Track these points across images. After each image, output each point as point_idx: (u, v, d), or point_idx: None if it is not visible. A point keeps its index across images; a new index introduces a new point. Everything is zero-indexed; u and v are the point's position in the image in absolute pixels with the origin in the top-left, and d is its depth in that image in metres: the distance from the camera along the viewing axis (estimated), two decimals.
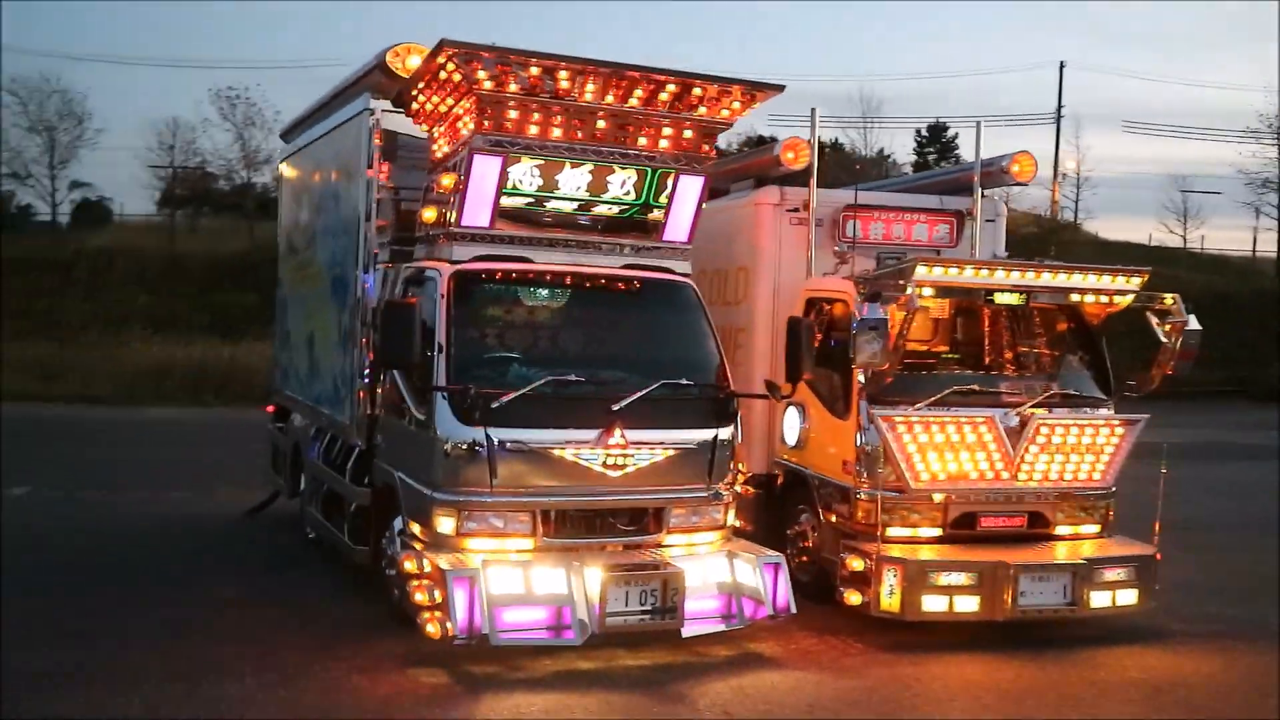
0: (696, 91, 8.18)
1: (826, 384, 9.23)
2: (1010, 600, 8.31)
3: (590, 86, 7.96)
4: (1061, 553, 8.70)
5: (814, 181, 10.02)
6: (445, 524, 7.60)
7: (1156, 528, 8.98)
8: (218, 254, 41.69)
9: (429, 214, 8.39)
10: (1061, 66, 54.89)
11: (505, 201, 8.23)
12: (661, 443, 7.95)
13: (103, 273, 38.22)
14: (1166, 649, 8.62)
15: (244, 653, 7.64)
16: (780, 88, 8.42)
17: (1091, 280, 8.82)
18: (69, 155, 46.53)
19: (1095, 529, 9.15)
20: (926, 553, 8.49)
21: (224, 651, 7.68)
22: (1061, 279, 8.78)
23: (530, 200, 8.34)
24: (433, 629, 7.28)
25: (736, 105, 8.33)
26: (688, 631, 7.74)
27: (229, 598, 9.17)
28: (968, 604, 8.34)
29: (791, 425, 9.68)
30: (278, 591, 9.43)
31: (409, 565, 7.60)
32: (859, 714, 7.04)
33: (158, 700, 6.73)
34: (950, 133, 66.39)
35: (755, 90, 8.31)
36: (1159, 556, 8.92)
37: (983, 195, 10.46)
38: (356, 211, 9.10)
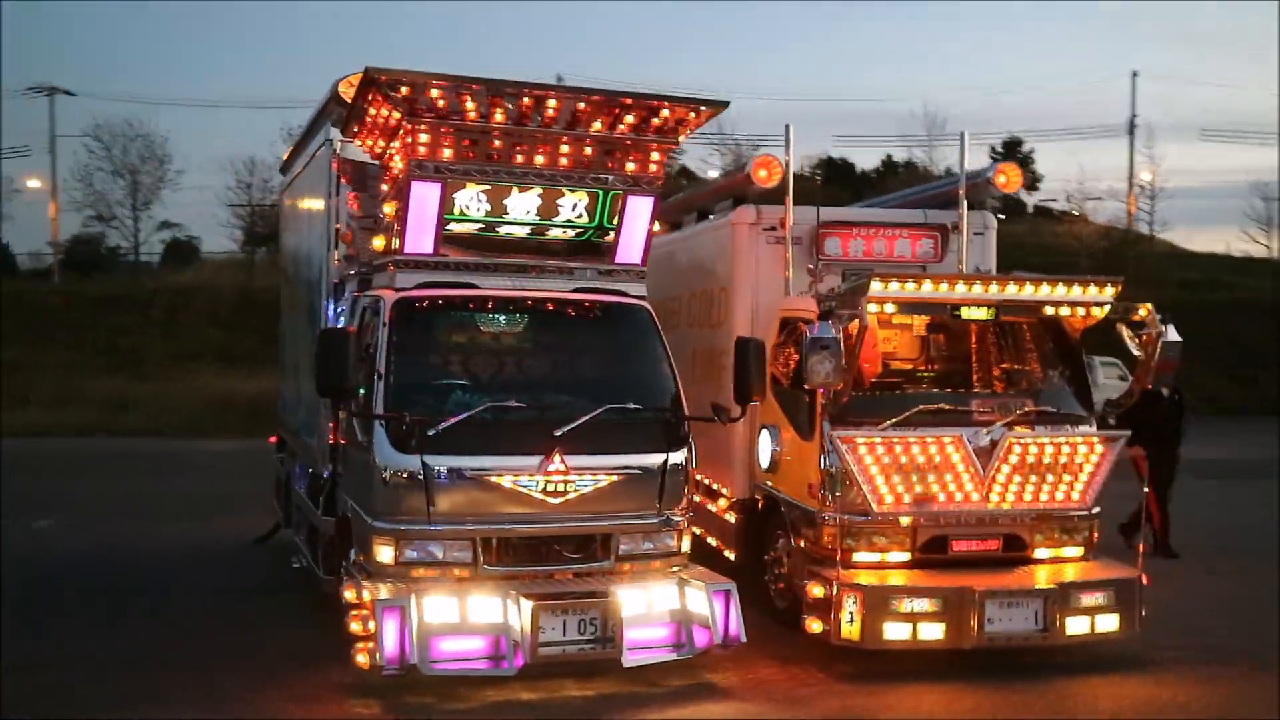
0: (638, 112, 8.06)
1: (795, 405, 9.01)
2: (977, 627, 7.99)
3: (531, 109, 7.90)
4: (1033, 577, 8.33)
5: (790, 200, 9.83)
6: (384, 553, 7.54)
7: (1140, 550, 8.58)
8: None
9: (378, 242, 8.39)
10: (1134, 76, 53.51)
11: (456, 227, 8.20)
12: (605, 468, 7.80)
13: (180, 309, 39.34)
14: (1148, 678, 8.19)
15: (186, 680, 7.69)
16: (724, 104, 8.28)
17: (1060, 292, 8.47)
18: (151, 196, 48.11)
19: (1077, 551, 8.76)
20: (887, 578, 8.21)
21: (168, 679, 7.75)
22: (1028, 292, 8.44)
23: (481, 226, 8.29)
24: (363, 659, 7.22)
25: (681, 124, 8.19)
26: (630, 661, 7.57)
27: (193, 625, 9.27)
28: (932, 631, 8.03)
29: (765, 448, 9.48)
30: (247, 619, 9.45)
31: (348, 595, 7.56)
32: None
33: None
34: (1026, 147, 65.17)
35: (698, 107, 8.18)
36: (1146, 580, 8.51)
37: (971, 208, 10.18)
38: (323, 241, 9.16)
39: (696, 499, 11.62)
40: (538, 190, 8.21)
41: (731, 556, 10.38)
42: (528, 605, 7.29)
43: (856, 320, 8.16)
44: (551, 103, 7.88)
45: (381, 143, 8.23)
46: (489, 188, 8.10)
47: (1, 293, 41.45)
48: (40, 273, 51.25)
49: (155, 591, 10.57)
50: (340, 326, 7.82)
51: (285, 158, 12.37)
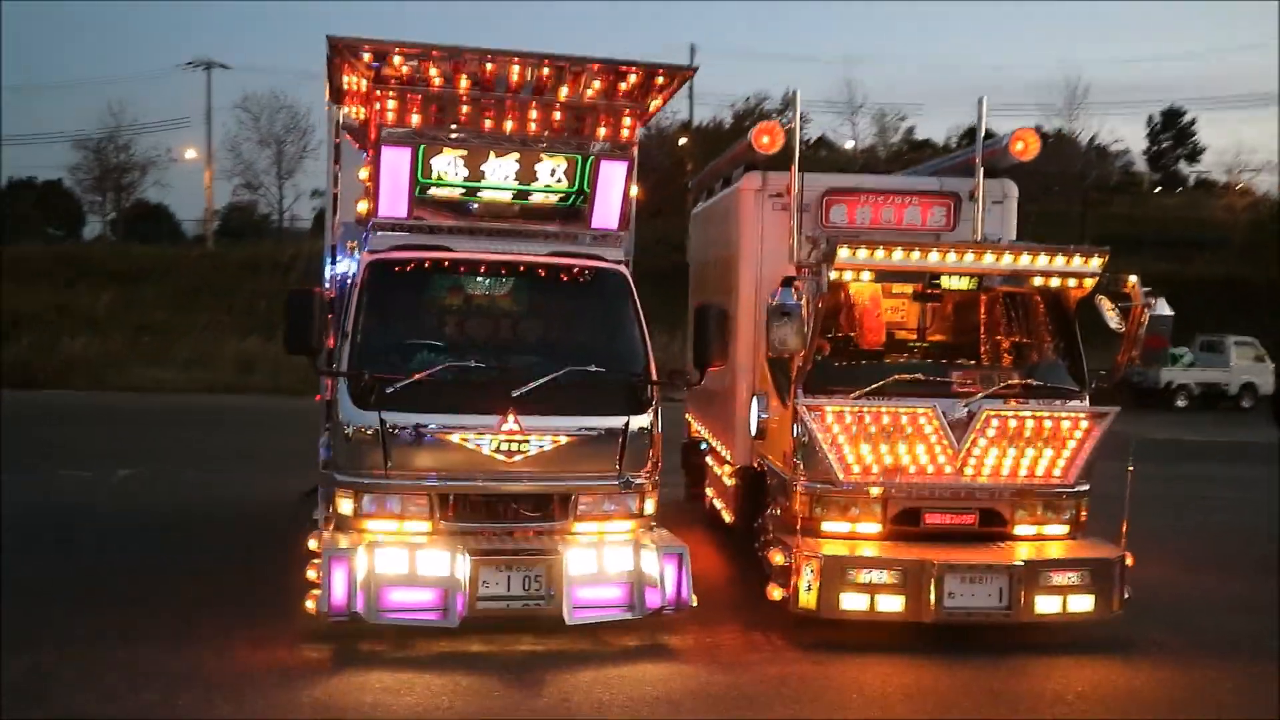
0: (604, 77, 8.10)
1: (779, 373, 8.96)
2: (934, 602, 7.85)
3: (500, 74, 8.03)
4: (999, 553, 8.12)
5: (796, 166, 9.70)
6: (345, 505, 7.84)
7: (1125, 528, 8.28)
8: None
9: (362, 206, 8.65)
10: None
11: (437, 192, 8.38)
12: (562, 429, 7.92)
13: (316, 274, 40.84)
14: (1122, 660, 7.93)
15: (162, 618, 8.19)
16: (693, 69, 8.27)
17: (1043, 261, 8.21)
18: (294, 166, 49.94)
19: (1062, 530, 8.50)
20: (854, 548, 8.12)
21: (139, 614, 8.34)
22: (1006, 261, 8.20)
23: (462, 190, 8.46)
24: (311, 605, 7.55)
25: (650, 89, 8.20)
26: (576, 619, 7.70)
27: (193, 569, 9.86)
28: (891, 604, 7.93)
29: (754, 416, 9.43)
30: (243, 565, 9.92)
31: (311, 544, 7.90)
32: (714, 711, 6.82)
33: (51, 660, 7.29)
34: (1187, 118, 62.34)
35: (669, 72, 8.17)
36: (1131, 560, 8.21)
37: (989, 175, 9.87)
38: None
39: (711, 464, 11.77)
40: (515, 155, 8.32)
41: (729, 521, 10.39)
42: (469, 559, 7.49)
43: (817, 286, 8.05)
44: (515, 68, 7.99)
45: (361, 109, 8.47)
46: (465, 152, 8.24)
47: (157, 258, 44.02)
48: (197, 238, 53.99)
49: (180, 541, 11.20)
50: (308, 288, 8.09)
51: None
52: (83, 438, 19.56)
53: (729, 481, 10.48)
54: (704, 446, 12.19)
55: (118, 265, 43.60)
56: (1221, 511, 14.89)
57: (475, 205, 8.50)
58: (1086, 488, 8.52)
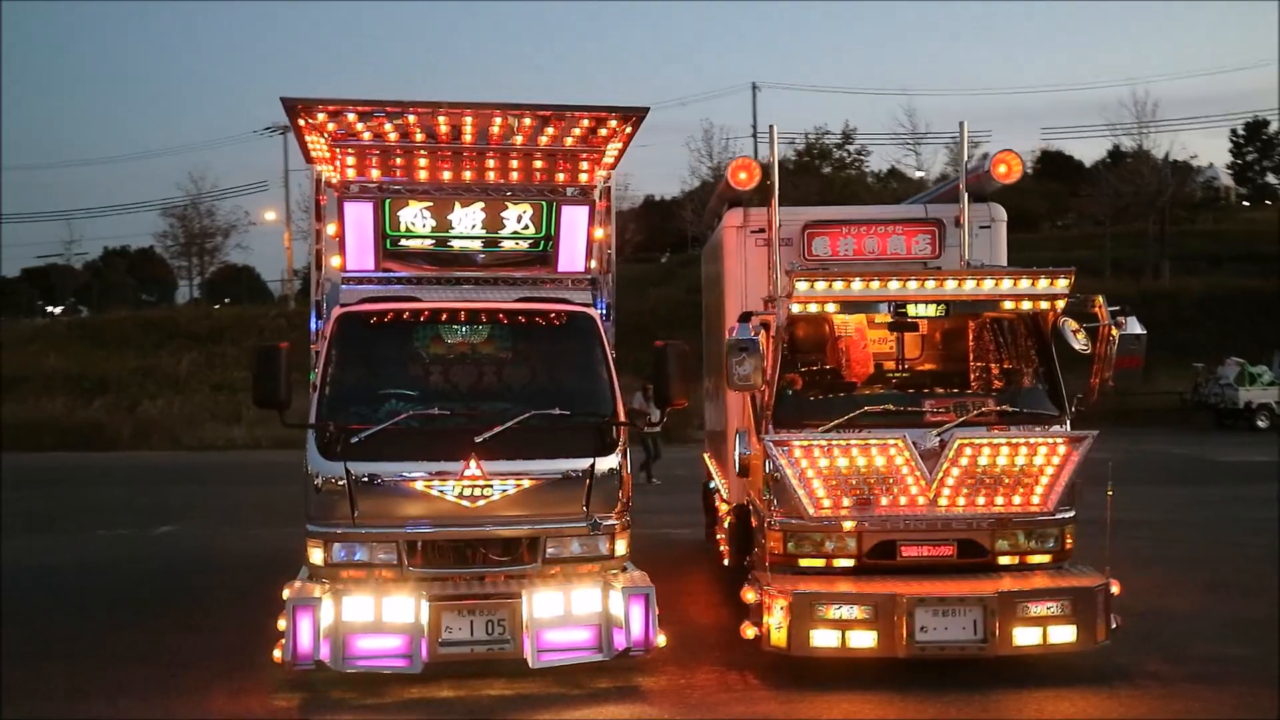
0: (556, 124, 8.23)
1: (755, 409, 8.91)
2: (906, 636, 7.70)
3: (454, 126, 8.20)
4: (972, 585, 7.93)
5: (775, 200, 9.69)
6: (315, 554, 7.97)
7: (1108, 556, 8.05)
8: None
9: (336, 260, 8.84)
10: None
11: (409, 244, 8.57)
12: (526, 473, 7.97)
13: None
14: (1106, 693, 7.68)
15: (147, 674, 8.41)
16: (645, 109, 8.29)
17: (1007, 285, 8.08)
18: None
19: (1045, 559, 8.29)
20: (818, 584, 8.01)
21: (129, 672, 8.54)
22: (970, 286, 8.08)
23: (433, 241, 8.62)
24: (278, 654, 7.66)
25: (605, 133, 8.30)
26: (540, 662, 7.71)
27: (187, 620, 10.16)
28: (863, 640, 7.79)
29: (738, 452, 9.38)
30: (236, 617, 10.03)
31: (286, 593, 8.03)
32: None
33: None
34: (1272, 127, 60.59)
35: (621, 115, 8.26)
36: (1117, 588, 7.98)
37: (975, 200, 9.77)
38: None
39: (718, 504, 11.71)
40: (480, 204, 8.48)
41: (725, 560, 10.32)
42: (429, 605, 7.56)
43: (775, 320, 8.02)
44: (469, 119, 8.15)
45: (328, 167, 8.70)
46: (431, 204, 8.43)
47: (237, 317, 45.28)
48: (281, 298, 55.39)
49: (187, 591, 11.52)
50: (275, 344, 8.27)
51: None
52: (139, 496, 20.16)
53: (727, 521, 10.43)
54: (712, 486, 12.15)
55: (200, 327, 44.98)
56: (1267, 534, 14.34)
57: (449, 254, 8.66)
58: (1071, 514, 8.31)
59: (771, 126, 9.81)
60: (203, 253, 58.94)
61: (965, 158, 9.83)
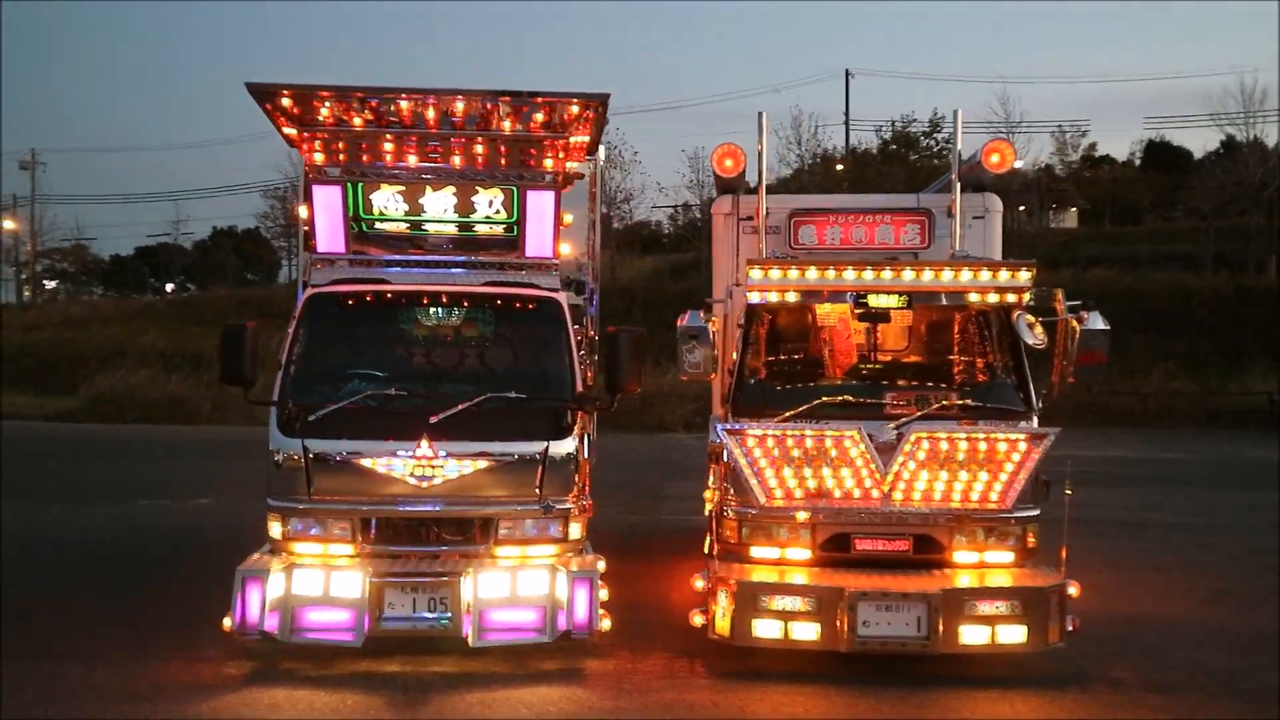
0: (517, 109, 8.28)
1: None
2: (847, 630, 7.62)
3: (417, 111, 8.32)
4: (919, 581, 7.80)
5: (763, 188, 9.64)
6: (275, 528, 8.19)
7: (1064, 556, 7.86)
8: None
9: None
10: None
11: (385, 227, 8.73)
12: (479, 454, 8.07)
13: None
14: (1050, 696, 7.49)
15: (118, 638, 8.69)
16: (604, 96, 8.28)
17: (967, 277, 7.91)
18: None
19: (1006, 557, 8.11)
20: (766, 573, 7.96)
21: (83, 633, 8.89)
22: (928, 277, 7.94)
23: (407, 225, 8.76)
24: (227, 623, 7.87)
25: (566, 119, 8.33)
26: (481, 642, 7.79)
27: (163, 585, 10.61)
28: (806, 632, 7.73)
29: (710, 440, 9.37)
30: (205, 585, 10.10)
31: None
32: None
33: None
34: None
35: (583, 101, 8.27)
36: (1076, 590, 7.79)
37: (969, 190, 9.58)
38: None
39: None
40: (451, 189, 8.60)
41: (705, 549, 10.28)
42: (370, 581, 7.71)
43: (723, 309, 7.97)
44: (431, 105, 8.25)
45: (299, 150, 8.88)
46: (403, 188, 8.58)
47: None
48: None
49: (185, 562, 11.89)
50: (242, 323, 8.48)
51: None
52: (192, 469, 20.86)
53: (707, 508, 10.40)
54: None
55: (291, 305, 45.92)
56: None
57: (421, 238, 8.79)
58: (1034, 513, 8.11)
59: (761, 114, 9.70)
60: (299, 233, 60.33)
61: (959, 147, 9.62)
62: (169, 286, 72.16)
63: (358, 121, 8.35)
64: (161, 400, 32.18)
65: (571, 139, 8.58)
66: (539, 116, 8.34)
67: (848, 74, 53.84)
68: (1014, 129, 49.50)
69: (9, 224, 67.49)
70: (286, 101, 8.19)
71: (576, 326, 8.81)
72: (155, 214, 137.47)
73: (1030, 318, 7.83)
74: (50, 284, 74.23)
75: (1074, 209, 64.12)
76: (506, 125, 8.39)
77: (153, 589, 10.59)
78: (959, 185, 9.37)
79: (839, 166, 51.63)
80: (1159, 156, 63.39)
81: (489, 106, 8.26)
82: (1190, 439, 28.75)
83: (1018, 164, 50.43)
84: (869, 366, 8.94)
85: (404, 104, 8.25)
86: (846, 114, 54.17)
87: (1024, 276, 7.88)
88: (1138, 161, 67.55)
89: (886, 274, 7.98)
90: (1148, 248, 50.36)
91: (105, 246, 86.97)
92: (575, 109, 8.32)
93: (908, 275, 7.97)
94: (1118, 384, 34.28)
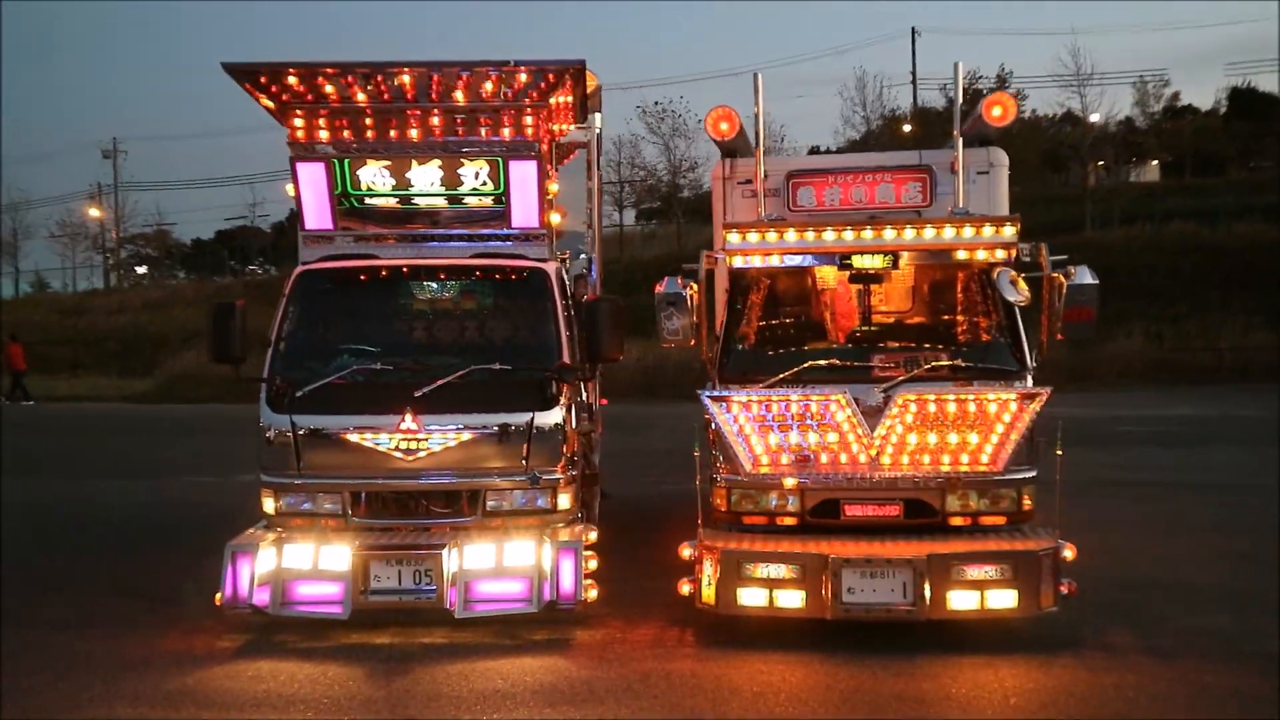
0: (495, 78, 8.22)
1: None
2: (832, 597, 7.50)
3: (392, 85, 8.31)
4: (904, 547, 7.63)
5: (760, 151, 9.46)
6: (268, 504, 8.30)
7: (1057, 519, 7.65)
8: (641, 258, 44.98)
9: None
10: None
11: (375, 202, 8.76)
12: (464, 426, 8.08)
13: None
14: (1040, 663, 7.28)
15: (129, 608, 8.94)
16: (579, 62, 8.18)
17: (949, 234, 7.70)
18: None
19: (998, 520, 7.92)
20: (751, 541, 7.86)
21: (116, 605, 9.08)
22: (910, 235, 7.73)
23: (396, 200, 8.77)
24: (218, 597, 8.00)
25: (545, 86, 8.26)
26: (466, 613, 7.83)
27: (160, 556, 10.91)
28: (791, 599, 7.62)
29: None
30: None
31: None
32: (551, 702, 6.80)
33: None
34: None
35: (558, 69, 8.19)
36: (1072, 553, 7.58)
37: (981, 145, 9.31)
38: None
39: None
40: (436, 161, 8.58)
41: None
42: (354, 553, 7.78)
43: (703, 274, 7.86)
44: (406, 78, 8.22)
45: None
46: (388, 162, 8.58)
47: None
48: None
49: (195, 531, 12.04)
50: (231, 301, 8.57)
51: None
52: (241, 446, 21.15)
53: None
54: None
55: None
56: None
57: (409, 212, 8.79)
58: (1029, 475, 7.90)
59: (756, 75, 9.51)
60: None
61: (960, 100, 9.34)
62: (249, 268, 73.54)
63: (333, 94, 8.34)
64: (233, 379, 32.73)
65: (553, 106, 8.49)
66: (515, 84, 8.25)
67: (914, 32, 52.83)
68: (1085, 82, 48.12)
69: (94, 212, 69.35)
70: (264, 79, 8.22)
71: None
72: (232, 197, 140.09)
73: (1013, 274, 7.60)
74: (140, 269, 76.19)
75: (1155, 162, 62.29)
76: (488, 87, 8.30)
77: (170, 560, 10.80)
78: (961, 140, 9.12)
79: (906, 128, 50.70)
80: (1246, 104, 61.14)
81: (462, 77, 8.20)
82: (1267, 395, 27.77)
83: (1093, 118, 48.96)
84: (859, 329, 8.77)
85: (380, 77, 8.22)
86: (914, 73, 53.20)
87: (1008, 233, 7.64)
88: (1223, 110, 65.30)
89: (867, 234, 7.80)
90: (1230, 199, 48.64)
91: (186, 231, 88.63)
92: (551, 76, 8.23)
93: (889, 235, 7.79)
94: (1193, 339, 33.33)
